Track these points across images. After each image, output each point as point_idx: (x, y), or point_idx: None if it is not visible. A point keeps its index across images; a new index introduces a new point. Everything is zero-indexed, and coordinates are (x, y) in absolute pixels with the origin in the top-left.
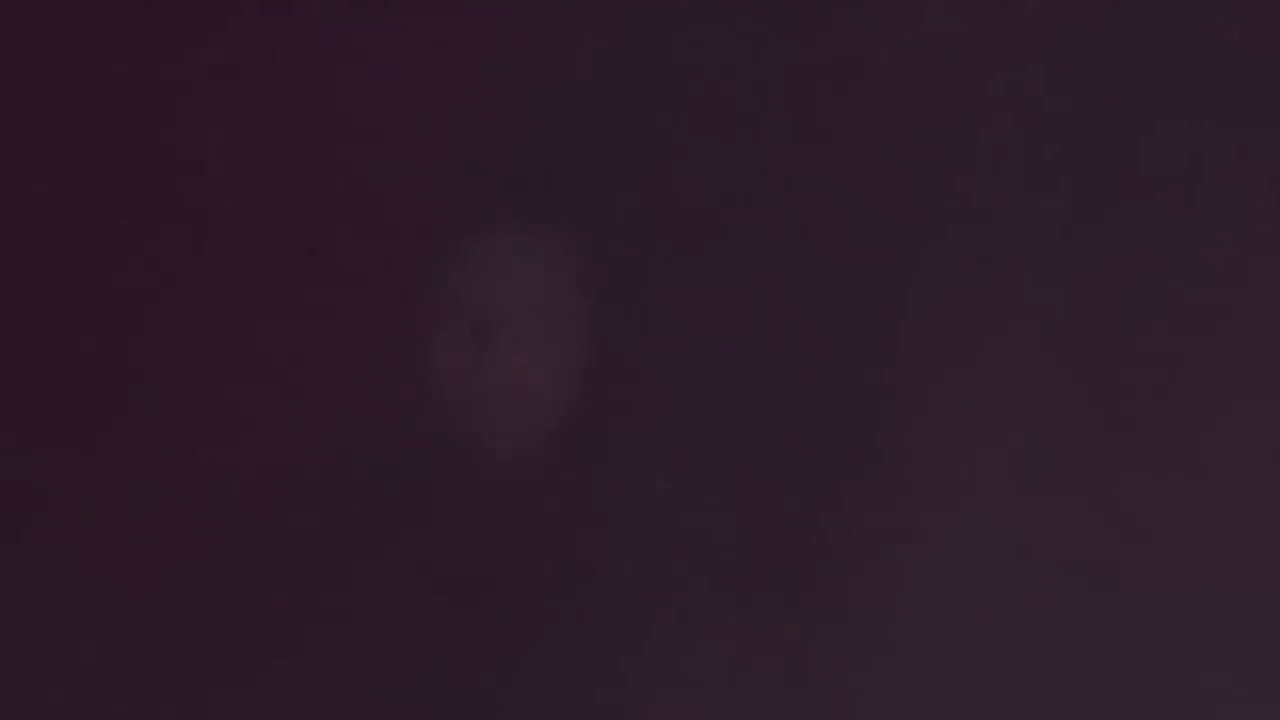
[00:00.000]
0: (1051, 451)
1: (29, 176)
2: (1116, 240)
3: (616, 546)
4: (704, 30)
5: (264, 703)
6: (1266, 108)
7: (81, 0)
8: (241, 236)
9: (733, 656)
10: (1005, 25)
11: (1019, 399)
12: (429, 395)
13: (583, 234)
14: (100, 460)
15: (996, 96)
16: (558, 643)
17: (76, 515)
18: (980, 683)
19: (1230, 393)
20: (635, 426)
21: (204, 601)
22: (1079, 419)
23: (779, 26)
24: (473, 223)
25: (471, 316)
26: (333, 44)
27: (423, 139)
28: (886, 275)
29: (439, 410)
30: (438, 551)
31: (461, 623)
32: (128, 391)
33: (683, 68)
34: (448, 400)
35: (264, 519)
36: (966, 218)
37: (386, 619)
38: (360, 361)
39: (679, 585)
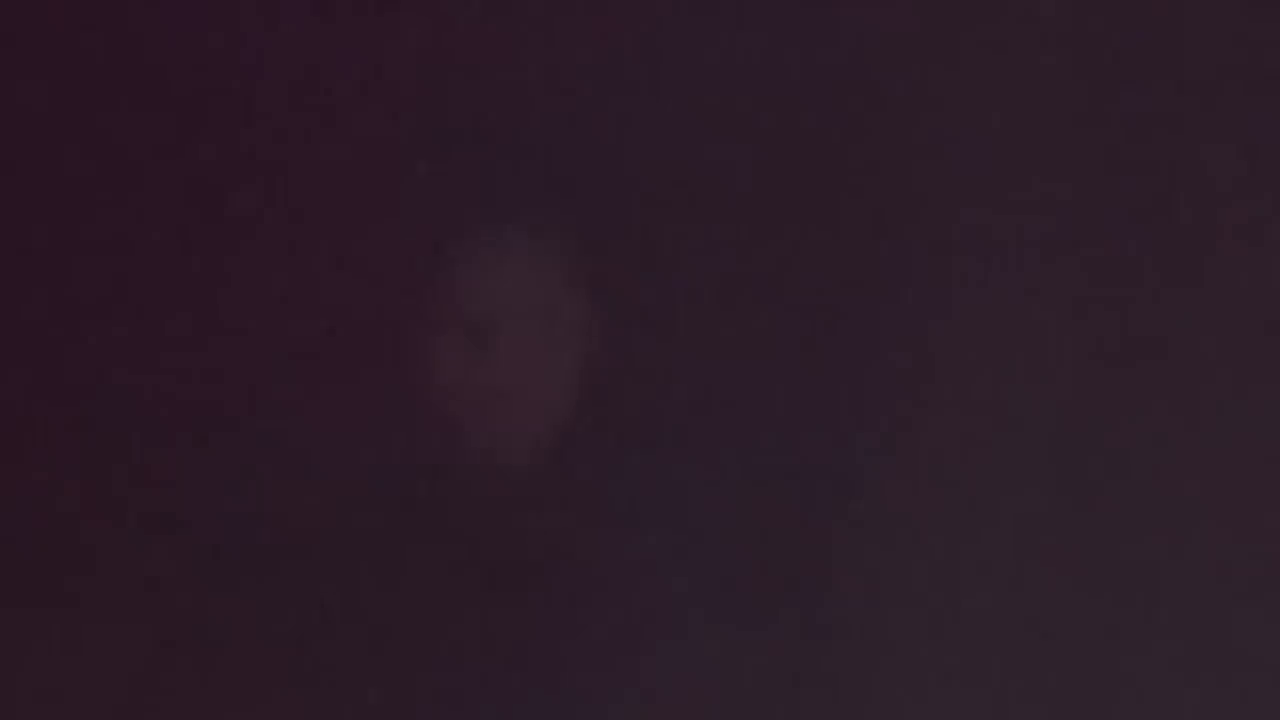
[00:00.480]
0: (1057, 461)
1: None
2: (1127, 242)
3: (619, 550)
4: (707, 27)
5: (265, 705)
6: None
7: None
8: (245, 238)
9: (735, 659)
10: (1010, 18)
11: (1026, 401)
12: (429, 398)
13: (585, 234)
14: (100, 461)
15: (1003, 94)
16: (557, 645)
17: (78, 517)
18: (985, 683)
19: (1237, 387)
20: (638, 429)
21: (204, 604)
22: (1086, 425)
23: (786, 22)
24: (475, 224)
25: (471, 319)
26: (331, 41)
27: (419, 138)
28: (888, 279)
29: (439, 413)
30: (438, 554)
31: (460, 626)
32: (124, 395)
33: (687, 65)
34: (448, 403)
35: (263, 523)
36: (977, 218)
37: (386, 621)
38: (359, 364)
39: (682, 588)
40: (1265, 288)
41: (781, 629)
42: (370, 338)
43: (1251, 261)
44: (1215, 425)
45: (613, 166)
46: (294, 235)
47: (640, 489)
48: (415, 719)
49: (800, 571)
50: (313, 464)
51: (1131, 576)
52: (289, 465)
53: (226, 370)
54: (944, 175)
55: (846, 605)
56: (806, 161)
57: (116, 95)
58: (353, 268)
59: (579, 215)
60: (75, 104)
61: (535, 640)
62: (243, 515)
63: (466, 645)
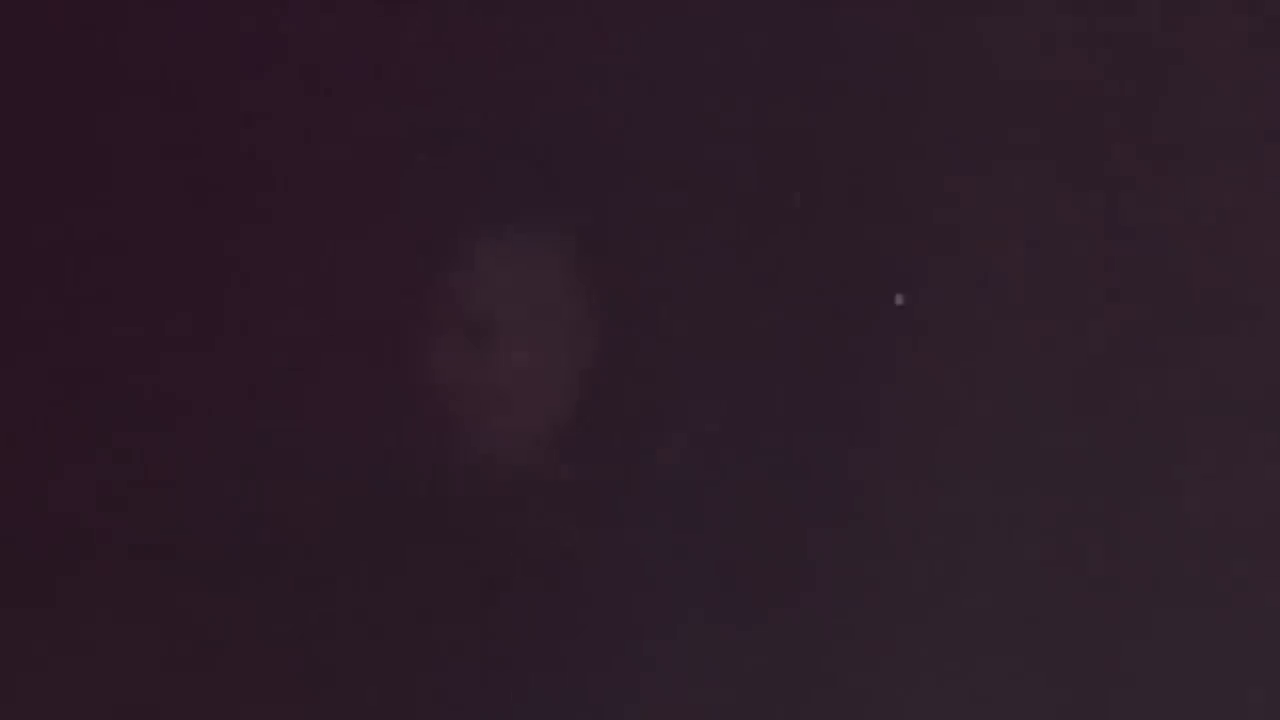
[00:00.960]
0: (1057, 462)
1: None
2: (1130, 228)
3: (621, 551)
4: (711, 22)
5: (264, 707)
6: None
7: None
8: (244, 234)
9: (739, 664)
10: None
11: (1031, 401)
12: (429, 399)
13: (590, 228)
14: (100, 464)
15: (1008, 83)
16: (558, 645)
17: (79, 517)
18: (985, 684)
19: (1238, 376)
20: (643, 432)
21: (207, 607)
22: (1088, 425)
23: (791, 12)
24: (475, 221)
25: (472, 317)
26: (327, 35)
27: (419, 135)
28: (896, 276)
29: (438, 413)
30: (440, 558)
31: (460, 627)
32: (124, 393)
33: (691, 57)
34: (448, 403)
35: (265, 525)
36: (987, 213)
37: (390, 626)
38: (360, 363)
39: (683, 588)
40: (1265, 287)
41: (782, 628)
42: (370, 337)
43: (1252, 260)
44: (1222, 414)
45: (615, 163)
46: (293, 233)
47: (642, 489)
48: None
49: (801, 571)
50: (312, 464)
51: (1136, 575)
52: (288, 465)
53: (225, 368)
54: (946, 171)
55: (846, 605)
56: (812, 158)
57: (116, 92)
58: (352, 265)
59: (580, 212)
60: (79, 96)
61: (535, 641)
62: (242, 515)
63: (466, 646)
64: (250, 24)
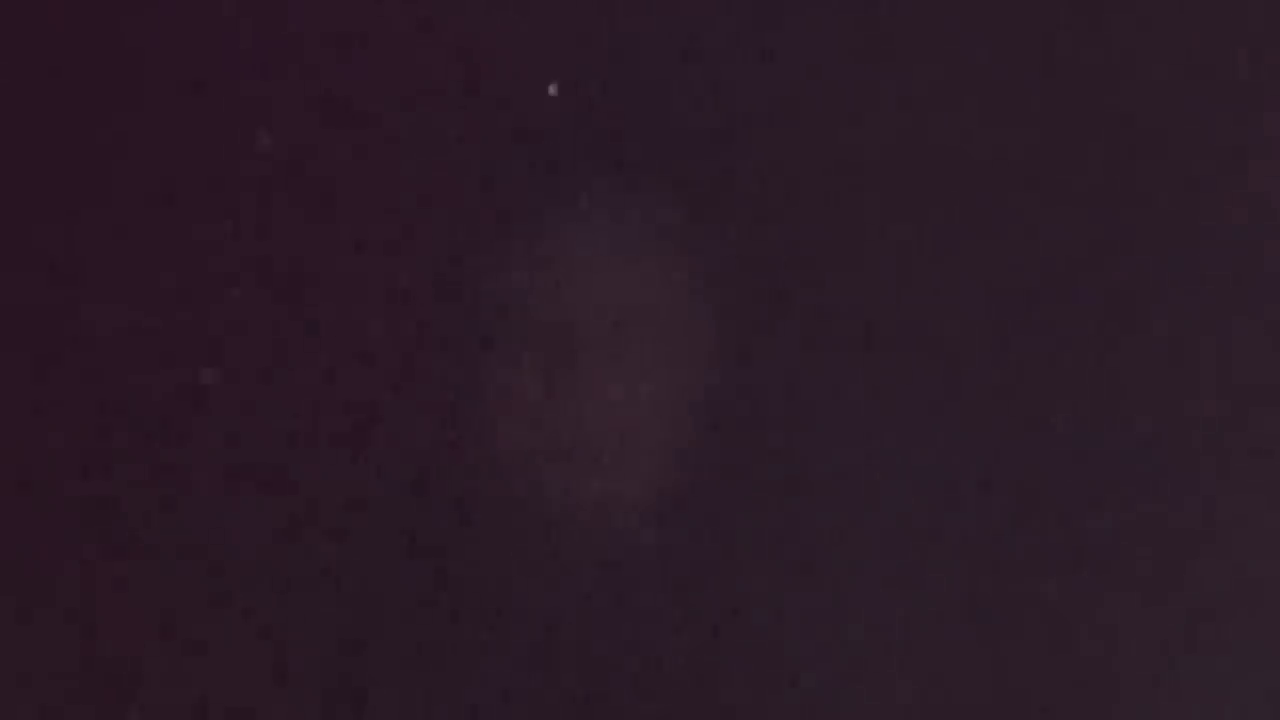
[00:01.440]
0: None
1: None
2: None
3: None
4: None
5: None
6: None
7: None
8: (272, 225)
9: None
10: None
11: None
12: (483, 438)
13: (689, 214)
14: (115, 469)
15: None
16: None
17: (80, 518)
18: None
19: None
20: (755, 481)
21: (233, 619)
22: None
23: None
24: (542, 207)
25: (540, 331)
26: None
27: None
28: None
29: (493, 461)
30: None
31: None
32: (144, 398)
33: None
34: (506, 449)
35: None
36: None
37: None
38: (400, 380)
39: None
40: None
41: (804, 657)
42: (408, 353)
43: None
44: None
45: (723, 136)
46: (325, 226)
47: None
48: None
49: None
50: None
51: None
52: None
53: (255, 376)
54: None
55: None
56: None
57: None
58: (387, 267)
59: (682, 189)
60: (82, 91)
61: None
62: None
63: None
64: (271, 18)
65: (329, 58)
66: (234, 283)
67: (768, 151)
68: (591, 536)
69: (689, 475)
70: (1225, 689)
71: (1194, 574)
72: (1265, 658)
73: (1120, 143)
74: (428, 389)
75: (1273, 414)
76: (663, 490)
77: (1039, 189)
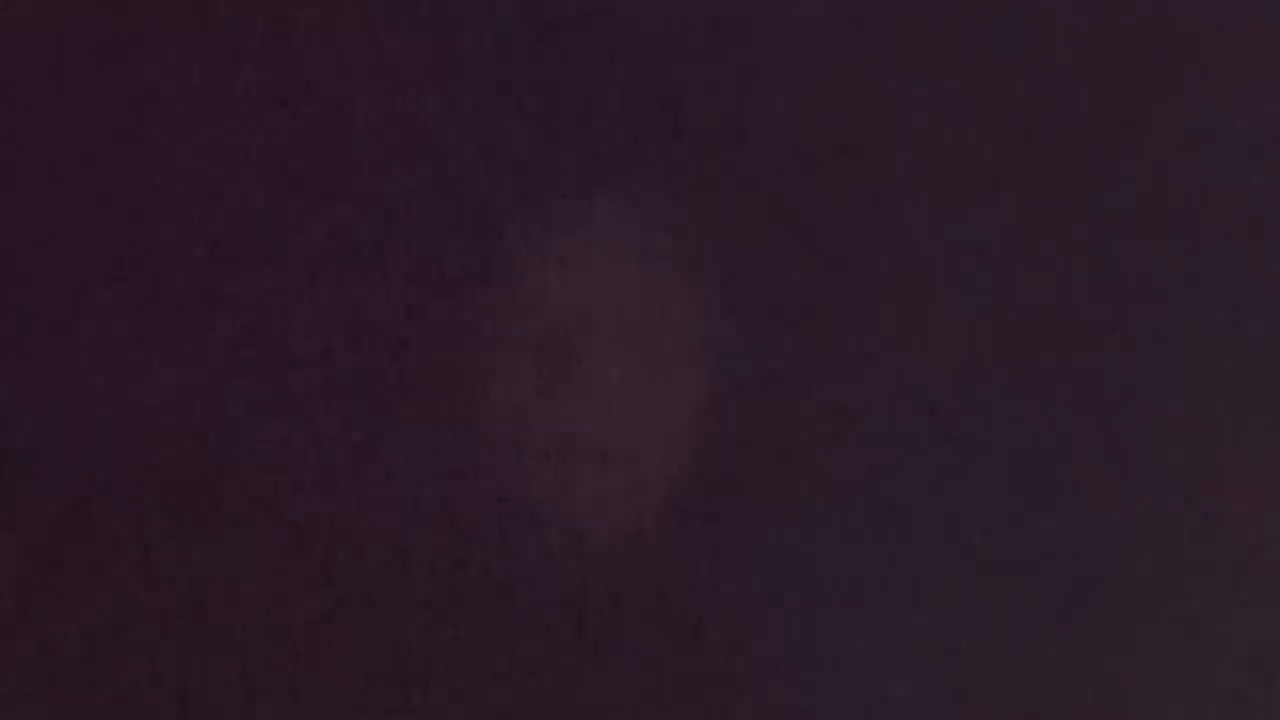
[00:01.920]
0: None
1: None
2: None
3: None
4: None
5: None
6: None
7: None
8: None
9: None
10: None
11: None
12: (494, 442)
13: (698, 211)
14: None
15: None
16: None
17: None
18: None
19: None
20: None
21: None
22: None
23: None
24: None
25: (550, 332)
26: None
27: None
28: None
29: (505, 468)
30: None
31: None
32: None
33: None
34: (517, 454)
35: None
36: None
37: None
38: (404, 389)
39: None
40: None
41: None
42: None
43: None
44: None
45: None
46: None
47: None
48: None
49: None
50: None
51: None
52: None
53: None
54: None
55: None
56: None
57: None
58: (392, 272)
59: (690, 184)
60: (89, 81)
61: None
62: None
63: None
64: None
65: (329, 56)
66: (234, 284)
67: (772, 151)
68: (593, 537)
69: (692, 476)
70: (1226, 690)
71: (1194, 574)
72: (1265, 658)
73: (1125, 143)
74: (428, 389)
75: (1273, 414)
76: (665, 490)
77: (1043, 189)
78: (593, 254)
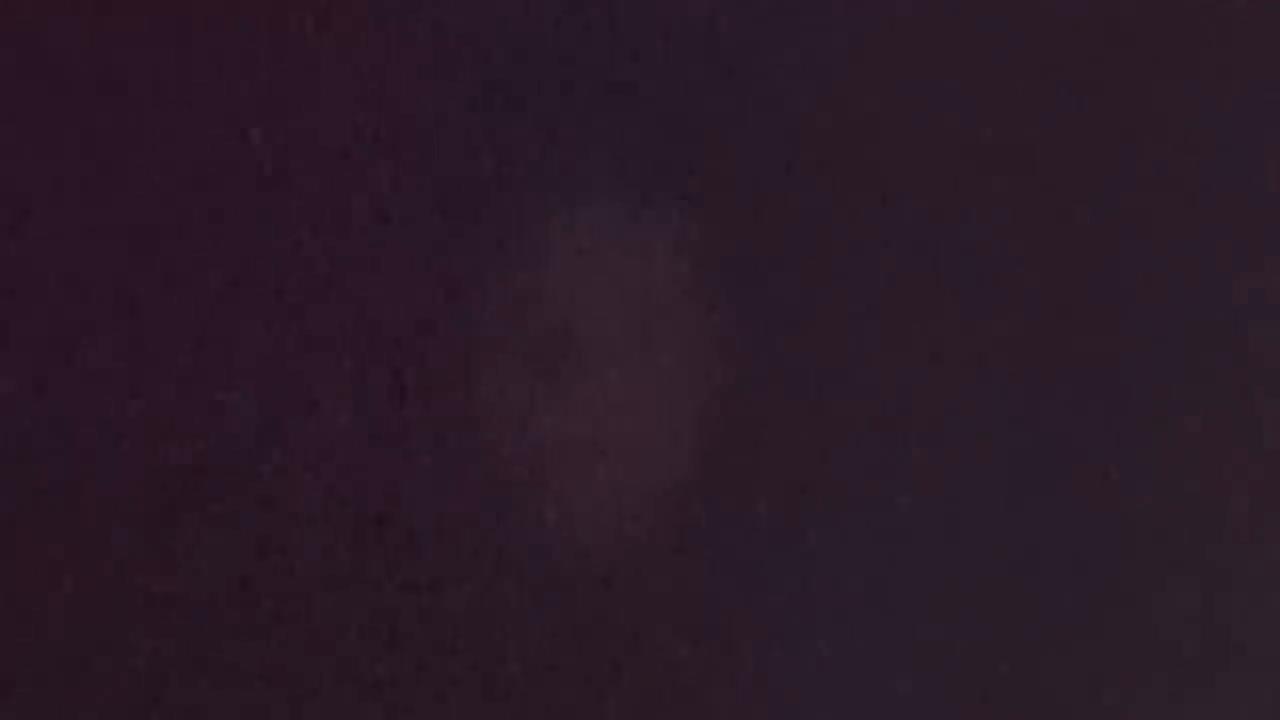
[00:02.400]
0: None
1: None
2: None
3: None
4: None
5: None
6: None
7: None
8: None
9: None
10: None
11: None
12: (494, 442)
13: (694, 213)
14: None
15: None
16: None
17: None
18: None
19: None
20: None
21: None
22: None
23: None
24: (549, 207)
25: (544, 332)
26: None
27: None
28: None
29: (499, 464)
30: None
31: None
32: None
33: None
34: (511, 450)
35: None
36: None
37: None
38: (393, 387)
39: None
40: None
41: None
42: (402, 362)
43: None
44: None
45: (732, 135)
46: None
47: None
48: None
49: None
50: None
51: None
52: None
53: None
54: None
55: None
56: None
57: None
58: (377, 269)
59: (689, 188)
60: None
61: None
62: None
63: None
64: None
65: (329, 55)
66: (232, 285)
67: (773, 153)
68: (593, 535)
69: (691, 475)
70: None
71: (1194, 574)
72: (1266, 658)
73: (1126, 143)
74: (428, 389)
75: (1273, 414)
76: (665, 489)
77: (1044, 189)
78: (593, 254)
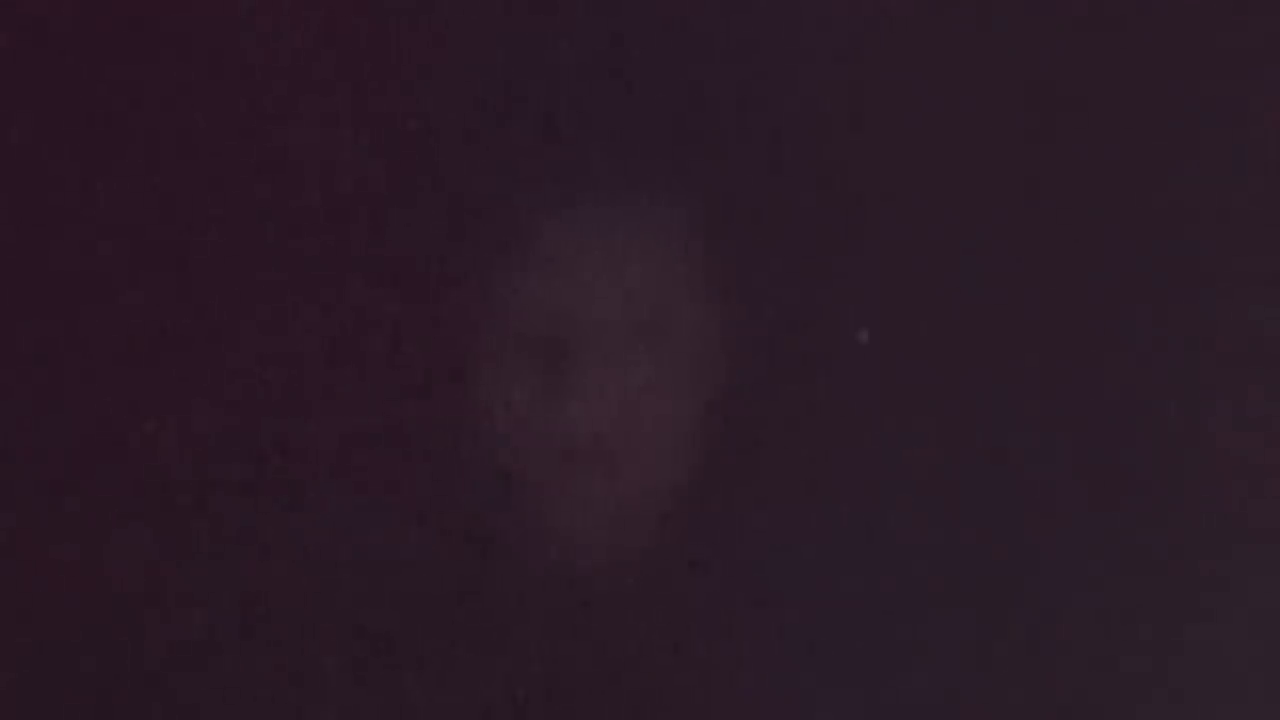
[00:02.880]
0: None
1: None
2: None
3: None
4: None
5: None
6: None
7: None
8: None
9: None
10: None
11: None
12: (494, 442)
13: (701, 214)
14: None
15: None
16: None
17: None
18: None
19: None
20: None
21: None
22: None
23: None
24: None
25: (544, 339)
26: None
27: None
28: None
29: (499, 479)
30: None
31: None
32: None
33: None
34: (517, 454)
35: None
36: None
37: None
38: (392, 392)
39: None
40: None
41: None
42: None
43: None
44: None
45: (739, 127)
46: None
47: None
48: None
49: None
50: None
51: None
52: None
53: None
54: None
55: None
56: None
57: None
58: (376, 268)
59: (696, 186)
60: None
61: None
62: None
63: None
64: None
65: (329, 56)
66: (232, 285)
67: (773, 152)
68: (593, 535)
69: (691, 476)
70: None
71: (1194, 574)
72: (1265, 657)
73: (1127, 143)
74: (428, 389)
75: (1273, 414)
76: (665, 490)
77: (1045, 190)
78: (592, 254)
